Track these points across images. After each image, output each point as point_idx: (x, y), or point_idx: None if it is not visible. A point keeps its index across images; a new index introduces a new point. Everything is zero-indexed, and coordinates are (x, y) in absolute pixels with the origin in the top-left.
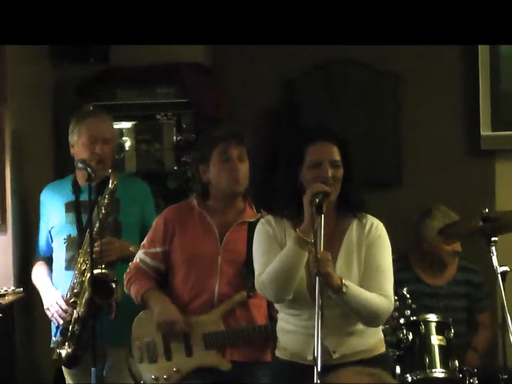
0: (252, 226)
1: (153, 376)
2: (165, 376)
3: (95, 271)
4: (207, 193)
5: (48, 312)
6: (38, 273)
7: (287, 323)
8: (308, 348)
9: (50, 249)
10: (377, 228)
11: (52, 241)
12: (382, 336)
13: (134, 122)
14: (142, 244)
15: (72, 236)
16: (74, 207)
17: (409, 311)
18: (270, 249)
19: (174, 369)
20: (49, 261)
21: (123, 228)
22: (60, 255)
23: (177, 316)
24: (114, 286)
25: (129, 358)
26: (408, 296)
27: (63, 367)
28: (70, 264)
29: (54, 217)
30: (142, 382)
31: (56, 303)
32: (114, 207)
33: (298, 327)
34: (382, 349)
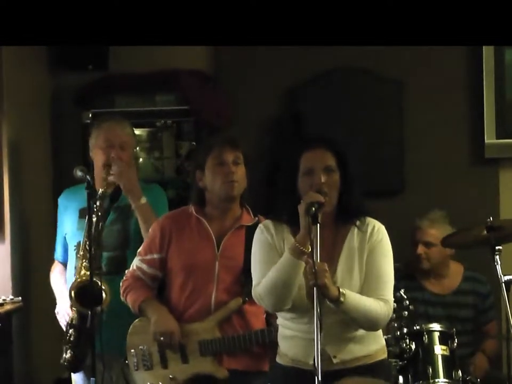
0: (249, 231)
1: None
2: None
3: (87, 278)
4: (204, 200)
5: (58, 317)
6: (57, 278)
7: (286, 328)
8: (308, 353)
9: (67, 254)
10: (378, 231)
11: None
12: (384, 342)
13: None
14: (138, 251)
15: (81, 243)
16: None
17: (406, 312)
18: (268, 258)
19: (170, 376)
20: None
21: (132, 236)
22: (71, 261)
23: (174, 326)
24: (103, 295)
25: (124, 366)
26: (405, 297)
27: (72, 378)
28: None
29: (68, 223)
30: None
31: (63, 307)
32: (127, 214)
33: (298, 332)
34: (383, 355)
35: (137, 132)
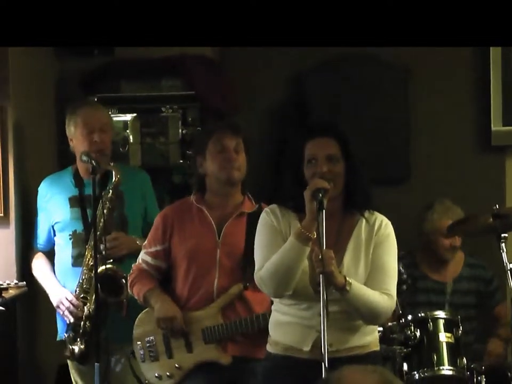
0: (250, 217)
1: (156, 374)
2: (167, 374)
3: (104, 267)
4: (204, 187)
5: (59, 310)
6: (41, 268)
7: (283, 314)
8: (304, 339)
9: (51, 244)
10: (386, 226)
11: (54, 236)
12: (377, 335)
13: (138, 115)
14: (143, 244)
15: (78, 232)
16: (79, 202)
17: (404, 286)
18: (272, 242)
19: (176, 365)
20: (48, 255)
21: (129, 222)
22: (65, 251)
23: (176, 311)
24: (124, 282)
25: (131, 359)
26: (402, 271)
27: (69, 362)
28: (77, 260)
29: (57, 212)
30: (146, 381)
31: (66, 299)
32: (119, 200)
33: (296, 318)
34: (375, 347)
35: (143, 117)
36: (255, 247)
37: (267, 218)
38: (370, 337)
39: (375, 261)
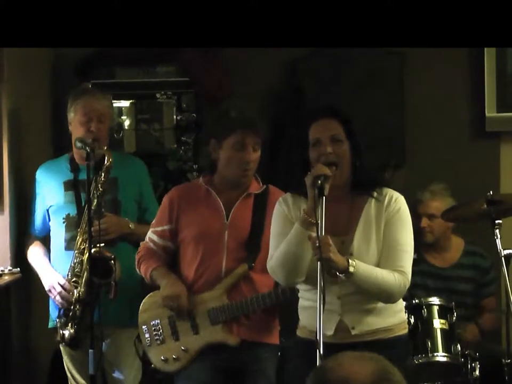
0: (257, 198)
1: (162, 358)
2: (174, 356)
3: (93, 250)
4: (214, 169)
5: (50, 295)
6: (35, 254)
7: (305, 299)
8: (327, 324)
9: (46, 229)
10: (396, 201)
11: (49, 220)
12: (405, 317)
13: (133, 101)
14: (151, 223)
15: (71, 216)
16: (73, 186)
17: None
18: (283, 231)
19: (182, 348)
20: (44, 241)
21: (122, 206)
22: (58, 235)
23: (182, 289)
24: (113, 263)
25: (137, 344)
26: None
27: (61, 348)
28: (70, 244)
29: (52, 196)
30: (152, 366)
31: (58, 284)
32: (112, 185)
33: (315, 302)
34: (403, 331)
35: (137, 103)
36: (270, 236)
37: (280, 208)
38: (395, 319)
39: (387, 238)
